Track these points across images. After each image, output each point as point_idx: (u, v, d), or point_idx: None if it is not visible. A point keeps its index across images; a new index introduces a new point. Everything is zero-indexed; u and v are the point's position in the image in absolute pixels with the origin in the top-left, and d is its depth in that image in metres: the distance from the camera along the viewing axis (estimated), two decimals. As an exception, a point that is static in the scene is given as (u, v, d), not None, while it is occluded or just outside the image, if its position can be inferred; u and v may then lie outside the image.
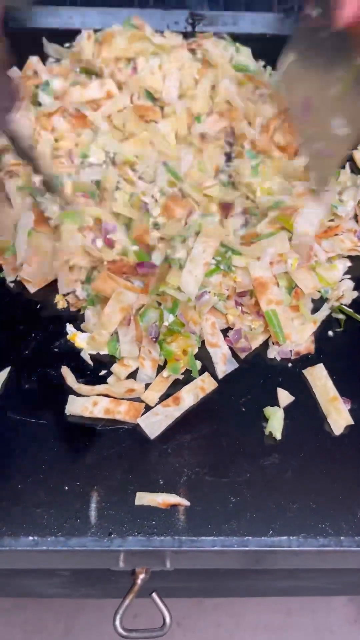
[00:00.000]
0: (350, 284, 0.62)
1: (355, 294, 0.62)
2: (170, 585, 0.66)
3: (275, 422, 0.55)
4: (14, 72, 0.71)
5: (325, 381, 0.56)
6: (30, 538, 0.48)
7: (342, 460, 0.53)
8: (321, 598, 1.20)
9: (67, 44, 0.77)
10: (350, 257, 0.63)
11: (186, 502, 0.50)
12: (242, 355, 0.58)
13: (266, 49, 0.72)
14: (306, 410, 0.56)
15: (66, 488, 0.51)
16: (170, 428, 0.54)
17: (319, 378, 0.57)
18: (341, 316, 0.61)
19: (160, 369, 0.57)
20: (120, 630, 0.53)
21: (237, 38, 0.75)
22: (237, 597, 1.09)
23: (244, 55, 0.73)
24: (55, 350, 0.58)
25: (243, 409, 0.56)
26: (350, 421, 0.55)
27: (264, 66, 0.74)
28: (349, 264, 0.63)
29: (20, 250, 0.60)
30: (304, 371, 0.57)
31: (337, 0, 0.55)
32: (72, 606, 1.18)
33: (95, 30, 0.73)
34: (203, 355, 0.58)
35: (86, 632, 1.15)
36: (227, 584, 0.72)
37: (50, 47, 0.78)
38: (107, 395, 0.55)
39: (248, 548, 0.48)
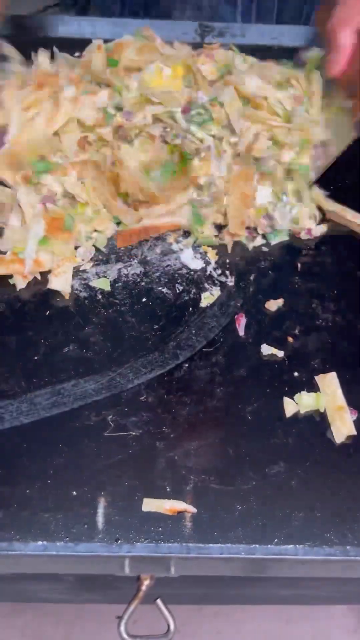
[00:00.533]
0: None
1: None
2: (173, 592, 0.67)
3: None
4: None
5: (335, 389, 0.57)
6: (40, 543, 0.48)
7: (348, 471, 0.54)
8: (321, 607, 1.20)
9: (77, 54, 0.78)
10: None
11: (193, 509, 0.51)
12: None
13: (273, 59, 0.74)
14: (313, 419, 0.56)
15: (74, 494, 0.51)
16: (177, 436, 0.55)
17: (329, 386, 0.57)
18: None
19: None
20: (125, 636, 0.54)
21: (244, 49, 0.76)
22: (239, 604, 1.10)
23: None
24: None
25: (249, 418, 0.56)
26: (353, 431, 0.56)
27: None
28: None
29: (29, 260, 0.62)
30: (317, 377, 0.58)
31: (330, 48, 0.59)
32: (72, 612, 1.18)
33: (105, 41, 0.74)
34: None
35: (86, 637, 1.16)
36: (229, 591, 0.72)
37: (61, 56, 0.78)
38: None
39: (255, 556, 0.49)
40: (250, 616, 1.19)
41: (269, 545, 0.49)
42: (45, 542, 0.48)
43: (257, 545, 0.49)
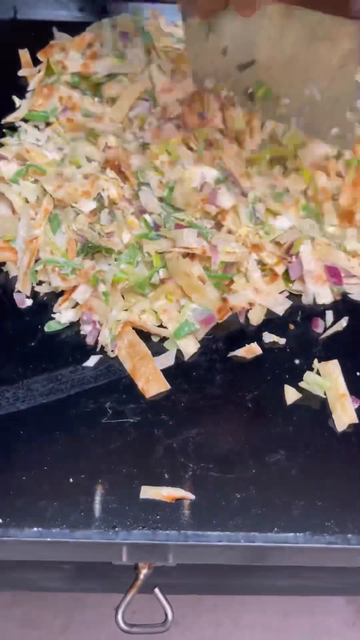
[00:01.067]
0: None
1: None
2: (171, 582, 0.66)
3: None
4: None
5: (337, 377, 0.56)
6: (35, 529, 0.47)
7: (349, 459, 0.53)
8: (320, 600, 1.20)
9: (76, 37, 0.78)
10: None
11: (191, 496, 0.50)
12: None
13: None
14: (313, 407, 0.56)
15: (71, 481, 0.51)
16: (176, 423, 0.54)
17: (331, 373, 0.56)
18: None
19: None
20: (122, 625, 0.53)
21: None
22: (238, 594, 1.09)
23: None
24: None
25: (249, 405, 0.56)
26: (355, 419, 0.55)
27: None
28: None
29: (20, 250, 0.61)
30: (319, 365, 0.57)
31: None
32: (70, 602, 1.18)
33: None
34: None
35: (84, 628, 1.15)
36: (228, 581, 0.72)
37: (61, 37, 0.78)
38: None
39: (255, 544, 0.48)
40: (249, 609, 1.19)
41: (269, 534, 0.48)
42: (41, 529, 0.48)
43: (256, 534, 0.48)
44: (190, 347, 0.58)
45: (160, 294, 0.59)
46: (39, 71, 0.74)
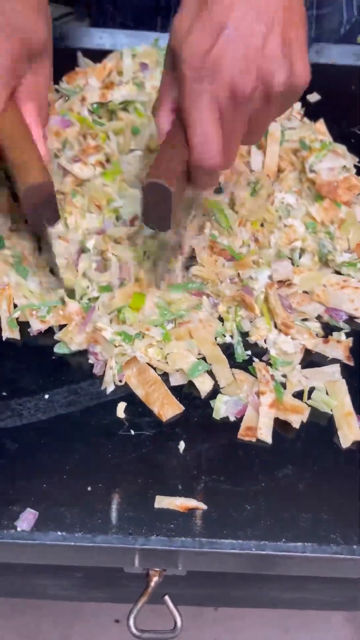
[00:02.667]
0: None
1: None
2: (178, 592, 0.68)
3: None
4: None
5: (343, 396, 0.59)
6: (59, 533, 0.50)
7: (354, 475, 0.56)
8: (320, 617, 1.21)
9: (98, 64, 0.81)
10: None
11: (203, 506, 0.52)
12: None
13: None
14: (320, 425, 0.58)
15: (89, 489, 0.53)
16: (189, 437, 0.57)
17: (337, 392, 0.59)
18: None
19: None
20: (134, 630, 0.55)
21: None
22: (242, 607, 1.11)
23: None
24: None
25: (259, 421, 0.58)
26: (360, 437, 0.57)
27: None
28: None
29: None
30: (325, 384, 0.60)
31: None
32: (70, 612, 1.19)
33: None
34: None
35: (84, 638, 1.16)
36: (234, 592, 0.74)
37: (84, 62, 0.82)
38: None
39: (265, 552, 0.50)
40: (249, 624, 1.20)
41: (279, 543, 0.51)
42: (64, 533, 0.50)
43: (267, 542, 0.51)
44: (206, 384, 0.59)
45: (171, 336, 0.61)
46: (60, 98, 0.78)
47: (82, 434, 0.56)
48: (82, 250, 0.64)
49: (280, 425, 0.58)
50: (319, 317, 0.64)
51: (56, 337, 0.61)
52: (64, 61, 0.82)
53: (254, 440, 0.57)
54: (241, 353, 0.61)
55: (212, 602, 0.95)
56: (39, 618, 1.20)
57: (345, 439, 0.57)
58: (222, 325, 0.62)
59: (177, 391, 0.59)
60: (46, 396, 0.58)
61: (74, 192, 0.68)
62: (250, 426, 0.57)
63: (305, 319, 0.63)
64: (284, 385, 0.59)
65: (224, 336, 0.62)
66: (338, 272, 0.66)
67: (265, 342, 0.62)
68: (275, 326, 0.62)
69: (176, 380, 0.59)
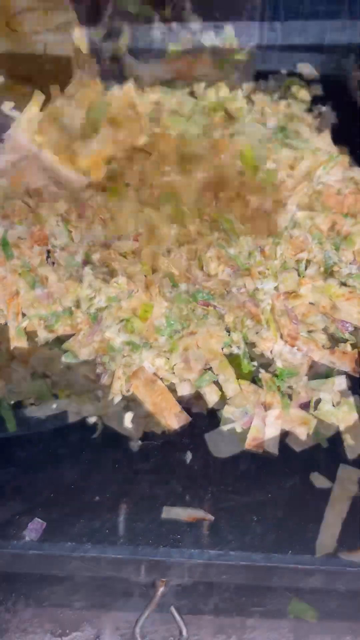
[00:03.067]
0: None
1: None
2: (183, 603, 0.68)
3: None
4: None
5: (349, 408, 0.59)
6: (68, 543, 0.50)
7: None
8: (325, 632, 1.19)
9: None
10: None
11: (211, 517, 0.53)
12: None
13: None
14: (327, 435, 0.58)
15: (97, 499, 0.53)
16: (196, 448, 0.57)
17: (344, 404, 0.59)
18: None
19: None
20: (139, 638, 0.55)
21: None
22: (246, 617, 1.10)
23: None
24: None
25: (266, 432, 0.58)
26: (365, 449, 0.58)
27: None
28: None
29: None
30: (331, 395, 0.60)
31: None
32: (67, 622, 1.17)
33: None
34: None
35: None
36: (238, 600, 0.73)
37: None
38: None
39: (272, 564, 0.50)
40: (251, 638, 1.19)
41: (286, 555, 0.51)
42: (73, 543, 0.50)
43: (275, 555, 0.51)
44: (213, 395, 0.60)
45: (179, 346, 0.61)
46: None
47: (89, 444, 0.57)
48: (87, 261, 0.65)
49: (287, 436, 0.58)
50: (325, 329, 0.64)
51: (64, 346, 0.61)
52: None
53: (260, 451, 0.57)
54: (247, 364, 0.61)
55: (216, 613, 0.95)
56: (33, 627, 1.19)
57: (351, 450, 0.58)
58: (229, 335, 0.63)
59: (183, 401, 0.59)
60: (54, 406, 0.59)
61: None
62: (257, 437, 0.57)
63: (311, 330, 0.63)
64: (290, 397, 0.59)
65: (231, 347, 0.62)
66: (344, 284, 0.67)
67: (272, 353, 0.62)
68: (282, 337, 0.63)
69: (183, 390, 0.60)
